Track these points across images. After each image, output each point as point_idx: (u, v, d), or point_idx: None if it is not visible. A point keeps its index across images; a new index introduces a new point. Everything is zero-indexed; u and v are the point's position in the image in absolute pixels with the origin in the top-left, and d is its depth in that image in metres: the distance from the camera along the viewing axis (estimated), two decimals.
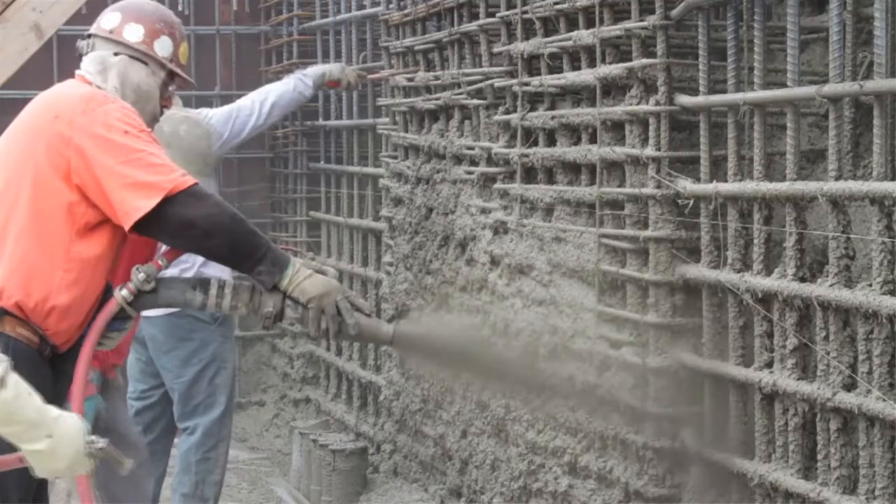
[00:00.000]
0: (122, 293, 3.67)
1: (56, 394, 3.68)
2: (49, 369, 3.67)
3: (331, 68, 7.18)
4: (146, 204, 3.56)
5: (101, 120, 3.65)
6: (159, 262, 3.73)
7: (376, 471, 6.98)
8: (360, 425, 7.34)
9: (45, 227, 3.62)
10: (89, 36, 4.01)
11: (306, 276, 3.73)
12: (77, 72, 3.96)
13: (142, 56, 3.95)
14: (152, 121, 4.00)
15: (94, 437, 3.26)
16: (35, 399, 3.19)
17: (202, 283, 3.77)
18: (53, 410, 3.22)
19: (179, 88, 4.24)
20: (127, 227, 3.61)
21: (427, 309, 6.43)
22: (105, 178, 3.60)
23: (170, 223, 3.60)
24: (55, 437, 3.20)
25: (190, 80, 4.18)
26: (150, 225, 3.60)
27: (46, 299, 3.60)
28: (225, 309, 3.78)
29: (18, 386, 3.13)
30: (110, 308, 3.67)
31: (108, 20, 3.99)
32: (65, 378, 3.71)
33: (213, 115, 6.64)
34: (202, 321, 6.21)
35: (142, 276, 3.68)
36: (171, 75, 4.02)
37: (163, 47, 3.97)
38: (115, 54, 3.94)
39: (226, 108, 6.83)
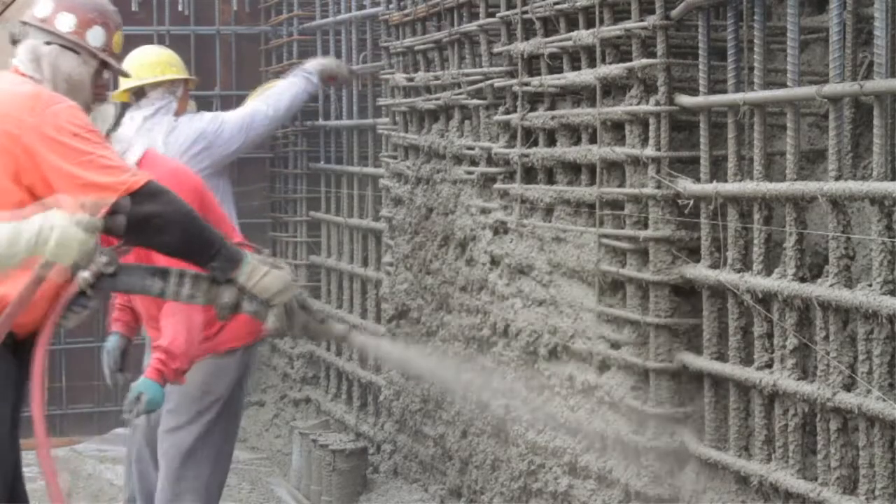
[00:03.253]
0: (83, 275, 3.72)
1: (20, 381, 3.72)
2: (12, 356, 3.70)
3: (328, 63, 7.25)
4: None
5: (51, 121, 3.66)
6: (121, 247, 3.80)
7: (376, 471, 6.98)
8: (360, 425, 7.34)
9: None
10: (23, 23, 3.97)
11: (264, 274, 3.80)
12: (12, 61, 3.94)
13: (73, 46, 3.93)
14: (85, 110, 3.98)
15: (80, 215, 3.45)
16: (6, 227, 3.37)
17: (162, 272, 3.85)
18: (33, 220, 3.41)
19: (114, 76, 4.21)
20: None
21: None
22: (56, 180, 3.62)
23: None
24: (53, 224, 3.43)
25: (123, 70, 4.15)
26: (105, 224, 3.63)
27: (4, 297, 3.62)
28: (183, 298, 3.86)
29: None
30: (71, 290, 3.72)
31: (40, 8, 3.95)
32: (26, 365, 3.73)
33: (228, 120, 6.68)
34: None
35: (104, 259, 3.74)
36: (105, 65, 4.01)
37: (95, 37, 3.96)
38: (47, 43, 3.92)
39: (240, 111, 6.88)
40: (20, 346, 3.75)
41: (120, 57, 4.09)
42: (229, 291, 3.83)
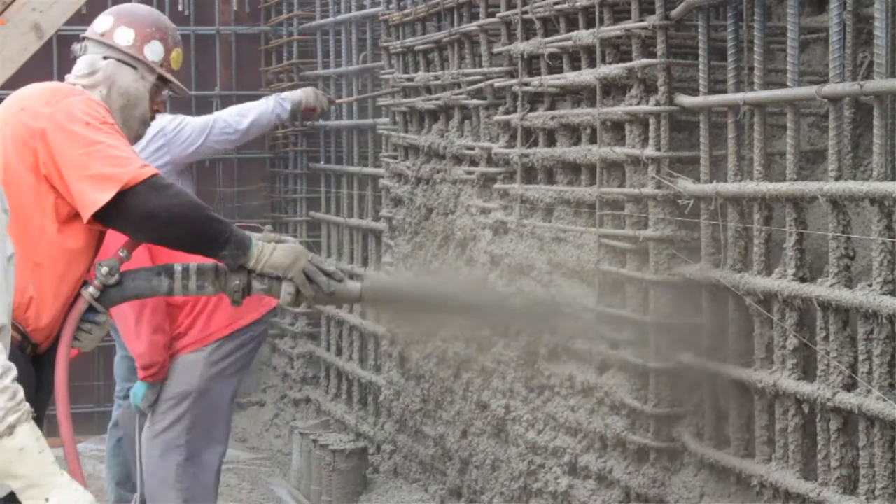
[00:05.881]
0: (88, 290, 3.70)
1: (38, 399, 3.70)
2: (31, 368, 3.67)
3: (306, 96, 7.29)
4: (102, 197, 3.58)
5: (65, 111, 3.67)
6: (120, 254, 3.76)
7: (376, 471, 6.98)
8: (360, 425, 7.34)
9: (19, 219, 3.62)
10: (83, 39, 4.04)
11: (272, 251, 3.79)
12: (67, 76, 4.00)
13: (131, 60, 3.97)
14: (142, 125, 4.01)
15: None
16: (45, 456, 2.94)
17: (166, 269, 3.83)
18: (63, 476, 2.97)
19: (173, 94, 4.24)
20: (85, 219, 3.63)
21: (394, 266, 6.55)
22: (66, 168, 3.62)
23: (130, 215, 3.62)
24: (52, 503, 2.92)
25: (182, 86, 4.16)
26: (110, 217, 3.62)
27: (24, 290, 3.60)
28: (192, 291, 3.84)
29: (27, 439, 2.87)
30: (79, 307, 3.69)
31: (101, 23, 4.04)
32: (45, 384, 3.71)
33: (189, 122, 6.70)
34: None
35: (105, 269, 3.71)
36: (163, 80, 4.03)
37: (153, 52, 4.00)
38: (105, 58, 3.97)
39: (204, 116, 6.89)
40: (39, 362, 3.74)
41: (178, 73, 4.09)
42: (238, 275, 3.81)
